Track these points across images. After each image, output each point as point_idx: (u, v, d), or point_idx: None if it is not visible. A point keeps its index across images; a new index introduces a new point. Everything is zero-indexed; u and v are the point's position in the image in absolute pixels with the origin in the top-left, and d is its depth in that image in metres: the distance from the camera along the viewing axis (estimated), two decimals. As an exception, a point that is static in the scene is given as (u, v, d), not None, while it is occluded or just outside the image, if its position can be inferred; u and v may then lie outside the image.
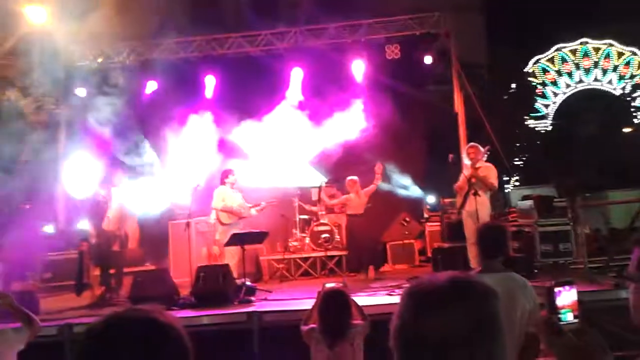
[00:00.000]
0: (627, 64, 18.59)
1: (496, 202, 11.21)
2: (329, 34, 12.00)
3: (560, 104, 18.53)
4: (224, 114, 11.67)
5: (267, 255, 11.29)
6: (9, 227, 9.92)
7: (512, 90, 17.00)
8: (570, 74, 18.64)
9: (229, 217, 9.43)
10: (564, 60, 18.70)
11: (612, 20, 17.32)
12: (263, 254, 11.23)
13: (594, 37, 18.58)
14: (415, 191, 13.08)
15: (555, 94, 18.61)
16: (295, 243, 11.39)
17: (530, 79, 18.26)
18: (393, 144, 12.17)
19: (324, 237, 10.95)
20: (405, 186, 12.98)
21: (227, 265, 8.41)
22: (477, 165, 8.47)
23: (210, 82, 12.15)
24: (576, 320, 1.66)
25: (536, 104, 18.33)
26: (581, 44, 18.64)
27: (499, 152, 11.00)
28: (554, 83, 18.61)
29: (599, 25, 17.75)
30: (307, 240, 11.25)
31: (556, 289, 1.67)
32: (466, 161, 8.79)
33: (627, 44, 18.39)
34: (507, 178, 14.95)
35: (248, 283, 8.35)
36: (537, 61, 18.55)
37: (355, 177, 10.36)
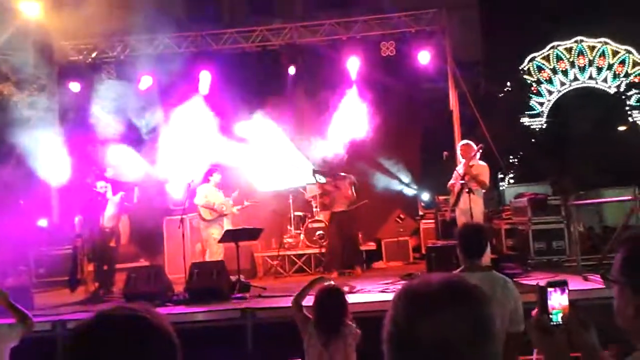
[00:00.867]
0: (622, 62, 18.63)
1: (490, 199, 11.25)
2: (324, 31, 11.98)
3: (555, 102, 18.54)
4: (219, 110, 11.64)
5: (261, 252, 11.29)
6: (2, 222, 9.89)
7: (508, 88, 16.98)
8: (565, 72, 18.66)
9: (210, 213, 9.53)
10: (559, 59, 18.73)
11: (607, 19, 17.38)
12: (258, 250, 11.23)
13: (589, 36, 18.60)
14: (410, 188, 13.10)
15: (550, 92, 18.63)
16: (290, 240, 11.39)
17: (525, 76, 18.26)
18: (388, 141, 12.17)
19: (319, 234, 10.95)
20: (400, 183, 13.00)
21: (221, 262, 8.43)
22: (471, 163, 8.48)
23: (205, 78, 12.11)
24: (566, 322, 1.66)
25: (531, 102, 18.32)
26: (576, 42, 18.65)
27: (493, 150, 11.01)
28: (549, 81, 18.63)
29: (595, 23, 17.79)
30: (302, 236, 11.26)
31: (549, 289, 1.66)
32: (461, 159, 8.81)
33: (622, 43, 18.44)
34: (502, 176, 14.96)
35: (242, 279, 8.36)
36: (532, 59, 18.54)
37: (343, 174, 10.42)
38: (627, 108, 18.17)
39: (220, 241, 9.04)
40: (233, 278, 8.17)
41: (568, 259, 9.00)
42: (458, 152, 9.13)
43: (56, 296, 9.47)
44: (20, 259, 10.85)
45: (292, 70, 12.04)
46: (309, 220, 11.36)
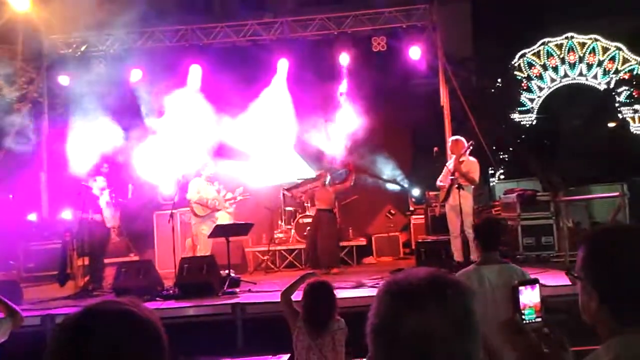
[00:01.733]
0: (612, 59, 18.68)
1: (481, 195, 11.29)
2: (315, 26, 11.96)
3: (545, 98, 18.59)
4: (209, 104, 11.60)
5: (252, 247, 11.29)
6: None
7: (498, 84, 17.01)
8: (555, 69, 18.71)
9: (203, 209, 9.47)
10: (549, 55, 18.76)
11: (597, 15, 17.42)
12: (248, 245, 11.23)
13: (579, 32, 18.64)
14: (400, 184, 13.12)
15: (541, 88, 18.68)
16: (280, 235, 11.40)
17: (516, 73, 18.29)
18: (378, 136, 12.18)
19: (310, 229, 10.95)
20: (391, 179, 13.02)
21: (212, 257, 8.42)
22: (461, 159, 8.51)
23: (195, 72, 12.06)
24: (539, 320, 1.69)
25: (522, 98, 18.36)
26: (567, 38, 18.69)
27: (483, 146, 11.04)
28: (540, 77, 18.67)
29: (585, 20, 17.83)
30: (293, 232, 11.26)
31: (520, 288, 1.71)
32: (451, 154, 8.85)
33: (613, 39, 18.50)
34: (492, 172, 14.99)
35: (232, 274, 8.36)
36: (523, 55, 18.57)
37: (323, 171, 10.45)
38: (617, 104, 18.24)
39: (210, 236, 9.01)
40: (223, 273, 8.16)
41: (557, 255, 9.06)
42: (448, 147, 9.17)
43: (45, 291, 9.44)
44: (9, 253, 10.80)
45: (282, 65, 12.03)
46: (300, 216, 11.37)
